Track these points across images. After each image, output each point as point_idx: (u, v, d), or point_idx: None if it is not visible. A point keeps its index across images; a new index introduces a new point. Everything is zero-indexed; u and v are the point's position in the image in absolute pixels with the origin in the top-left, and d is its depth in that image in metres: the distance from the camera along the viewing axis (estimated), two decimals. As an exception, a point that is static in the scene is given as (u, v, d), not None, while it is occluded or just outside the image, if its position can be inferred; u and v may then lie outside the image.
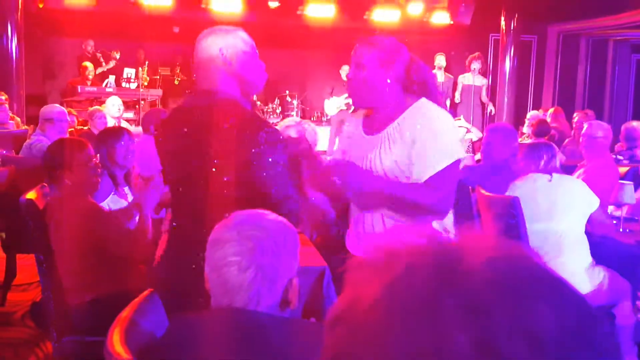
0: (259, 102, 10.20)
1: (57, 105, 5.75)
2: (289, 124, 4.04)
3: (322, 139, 4.03)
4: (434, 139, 2.22)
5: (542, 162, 3.56)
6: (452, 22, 10.24)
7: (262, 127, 2.02)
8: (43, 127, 5.05)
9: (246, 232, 1.46)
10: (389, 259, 0.51)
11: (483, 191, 3.64)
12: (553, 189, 3.49)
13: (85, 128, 6.60)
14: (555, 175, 3.56)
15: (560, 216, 3.46)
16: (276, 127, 3.60)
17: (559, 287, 0.50)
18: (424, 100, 2.31)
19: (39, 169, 3.95)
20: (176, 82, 10.47)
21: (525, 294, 0.48)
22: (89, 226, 2.77)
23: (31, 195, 2.87)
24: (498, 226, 3.46)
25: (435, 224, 2.29)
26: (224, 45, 2.11)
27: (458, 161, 2.27)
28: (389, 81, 2.31)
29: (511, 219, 3.40)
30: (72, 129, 6.38)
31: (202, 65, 2.14)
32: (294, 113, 10.44)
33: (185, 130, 2.11)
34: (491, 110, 9.97)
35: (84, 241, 2.77)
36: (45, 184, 3.07)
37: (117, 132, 3.73)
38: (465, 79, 9.76)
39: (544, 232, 3.42)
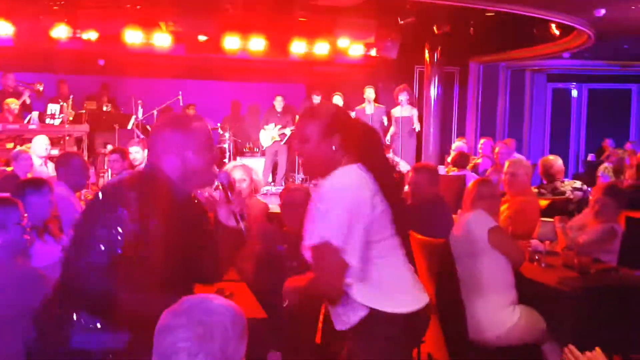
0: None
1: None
2: (235, 165, 4.35)
3: (258, 170, 4.18)
4: (316, 213, 2.26)
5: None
6: (378, 55, 10.51)
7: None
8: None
9: (195, 318, 1.47)
10: None
11: (415, 234, 3.73)
12: (474, 227, 3.59)
13: (9, 169, 6.37)
14: (477, 212, 3.66)
15: (479, 255, 3.55)
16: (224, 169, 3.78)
17: None
18: (338, 171, 2.29)
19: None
20: (104, 109, 10.24)
21: None
22: (20, 292, 2.69)
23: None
24: (432, 268, 3.57)
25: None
26: (179, 141, 2.14)
27: (325, 243, 2.19)
28: (334, 148, 2.32)
29: (444, 260, 3.51)
30: (-6, 170, 6.16)
31: (154, 151, 2.19)
32: (226, 145, 10.41)
33: None
34: (415, 128, 10.06)
35: (15, 307, 2.68)
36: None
37: (37, 184, 3.68)
38: (395, 111, 10.02)
39: (469, 272, 3.51)
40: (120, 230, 1.98)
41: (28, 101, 9.54)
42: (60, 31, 8.97)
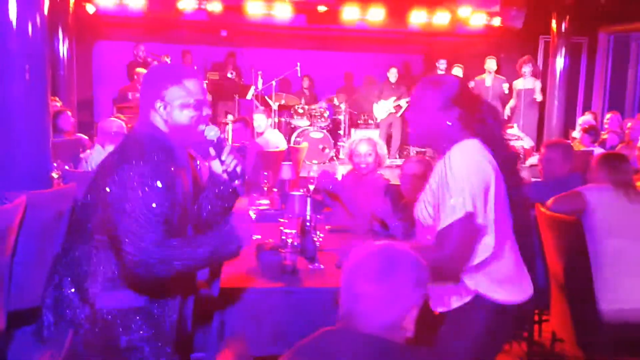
0: (306, 106, 10.25)
1: (116, 119, 5.79)
2: (361, 139, 4.26)
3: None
4: (446, 190, 2.13)
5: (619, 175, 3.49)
6: (502, 25, 10.13)
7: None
8: (102, 141, 5.10)
9: (377, 255, 1.60)
10: None
11: (544, 209, 3.60)
12: (631, 205, 3.39)
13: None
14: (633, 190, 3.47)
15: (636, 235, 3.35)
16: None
17: None
18: (460, 144, 2.20)
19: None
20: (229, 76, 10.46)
21: None
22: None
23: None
24: (561, 245, 3.44)
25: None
26: (164, 95, 2.17)
27: (466, 217, 2.11)
28: (449, 123, 2.24)
29: (576, 238, 3.35)
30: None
31: (141, 101, 2.24)
32: (341, 117, 10.47)
33: None
34: (537, 98, 9.64)
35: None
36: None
37: None
38: (518, 83, 9.67)
39: (618, 250, 3.33)
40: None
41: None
42: (186, 3, 9.31)
